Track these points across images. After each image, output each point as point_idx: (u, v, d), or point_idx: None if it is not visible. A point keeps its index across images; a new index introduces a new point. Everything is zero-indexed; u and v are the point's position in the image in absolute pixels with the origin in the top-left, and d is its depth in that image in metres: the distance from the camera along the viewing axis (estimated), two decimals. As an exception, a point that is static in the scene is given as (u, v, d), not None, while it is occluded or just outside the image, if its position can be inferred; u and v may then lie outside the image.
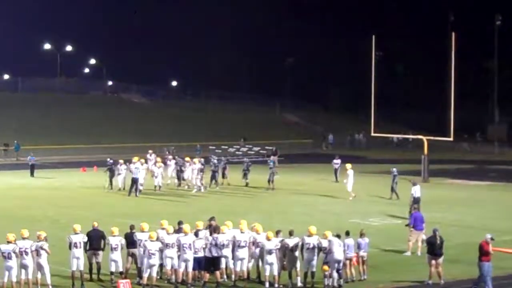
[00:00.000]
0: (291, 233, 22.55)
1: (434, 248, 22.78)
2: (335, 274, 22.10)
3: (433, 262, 22.68)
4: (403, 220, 29.52)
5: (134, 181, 41.71)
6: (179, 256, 22.02)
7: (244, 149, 75.09)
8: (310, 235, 22.39)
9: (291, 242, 22.26)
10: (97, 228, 23.14)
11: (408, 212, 34.88)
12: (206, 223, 23.61)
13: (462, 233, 31.42)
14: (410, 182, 36.69)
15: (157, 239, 22.14)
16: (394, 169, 42.21)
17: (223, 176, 47.46)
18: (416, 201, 35.39)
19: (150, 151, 50.07)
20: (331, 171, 51.62)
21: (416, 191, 35.40)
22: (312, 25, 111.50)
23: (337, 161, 51.17)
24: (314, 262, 22.25)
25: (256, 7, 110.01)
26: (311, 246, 22.22)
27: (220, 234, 22.45)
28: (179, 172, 46.52)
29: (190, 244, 21.96)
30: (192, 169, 44.33)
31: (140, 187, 42.41)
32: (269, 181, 45.73)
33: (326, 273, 21.93)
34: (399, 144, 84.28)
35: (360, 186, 47.92)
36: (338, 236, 22.56)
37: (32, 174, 53.42)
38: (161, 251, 22.06)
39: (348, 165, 42.74)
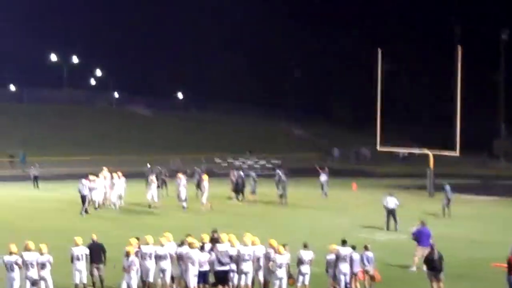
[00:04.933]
0: (305, 246, 22.61)
1: (434, 264, 22.63)
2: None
3: (434, 278, 22.53)
4: (409, 234, 29.32)
5: (82, 198, 40.60)
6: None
7: (250, 162, 75.03)
8: (331, 251, 22.57)
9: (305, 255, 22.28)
10: (96, 241, 23.14)
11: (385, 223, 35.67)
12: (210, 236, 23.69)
13: (468, 248, 31.30)
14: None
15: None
16: (447, 186, 41.61)
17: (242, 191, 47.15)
18: (390, 212, 35.66)
19: (105, 168, 46.01)
20: (336, 185, 51.54)
21: (389, 202, 35.96)
22: (319, 38, 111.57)
23: (325, 174, 50.09)
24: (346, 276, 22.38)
25: (263, 19, 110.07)
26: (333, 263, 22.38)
27: (220, 244, 22.60)
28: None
29: (150, 254, 22.24)
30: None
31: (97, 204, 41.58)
32: (281, 195, 45.48)
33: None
34: (404, 158, 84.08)
35: (366, 200, 47.96)
36: (353, 247, 22.71)
37: (36, 185, 53.46)
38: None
39: (205, 177, 42.91)
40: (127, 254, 21.72)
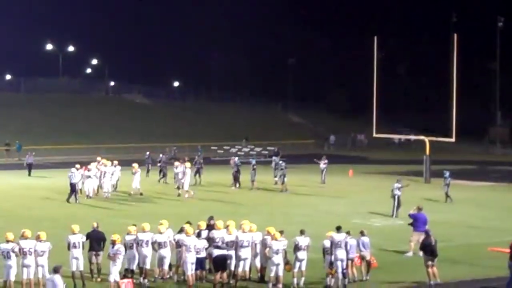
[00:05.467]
0: (302, 232, 22.57)
1: (432, 249, 22.67)
2: (339, 275, 22.03)
3: (430, 263, 22.58)
4: (405, 220, 29.40)
5: (71, 186, 40.34)
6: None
7: (246, 150, 75.03)
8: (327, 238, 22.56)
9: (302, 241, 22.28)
10: (97, 229, 23.12)
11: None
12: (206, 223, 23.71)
13: (465, 234, 31.35)
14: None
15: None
16: (447, 172, 41.79)
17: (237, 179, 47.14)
18: (393, 198, 35.85)
19: (99, 158, 45.66)
20: (332, 172, 51.60)
21: (395, 188, 36.00)
22: (314, 25, 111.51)
23: (324, 162, 50.23)
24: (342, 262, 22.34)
25: (259, 8, 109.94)
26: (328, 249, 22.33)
27: (216, 230, 22.70)
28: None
29: (147, 241, 22.33)
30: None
31: (89, 193, 41.40)
32: (282, 182, 45.54)
33: (330, 276, 21.93)
34: (401, 144, 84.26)
35: (362, 187, 48.03)
36: (348, 233, 22.69)
37: (29, 173, 53.55)
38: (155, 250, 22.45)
39: (188, 164, 42.89)
40: (113, 243, 21.78)
